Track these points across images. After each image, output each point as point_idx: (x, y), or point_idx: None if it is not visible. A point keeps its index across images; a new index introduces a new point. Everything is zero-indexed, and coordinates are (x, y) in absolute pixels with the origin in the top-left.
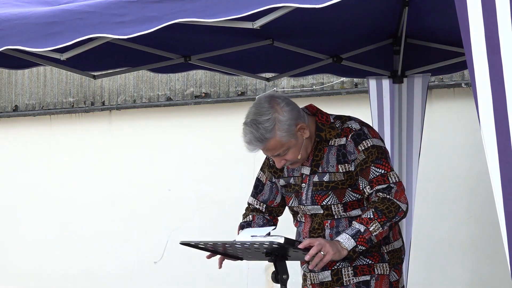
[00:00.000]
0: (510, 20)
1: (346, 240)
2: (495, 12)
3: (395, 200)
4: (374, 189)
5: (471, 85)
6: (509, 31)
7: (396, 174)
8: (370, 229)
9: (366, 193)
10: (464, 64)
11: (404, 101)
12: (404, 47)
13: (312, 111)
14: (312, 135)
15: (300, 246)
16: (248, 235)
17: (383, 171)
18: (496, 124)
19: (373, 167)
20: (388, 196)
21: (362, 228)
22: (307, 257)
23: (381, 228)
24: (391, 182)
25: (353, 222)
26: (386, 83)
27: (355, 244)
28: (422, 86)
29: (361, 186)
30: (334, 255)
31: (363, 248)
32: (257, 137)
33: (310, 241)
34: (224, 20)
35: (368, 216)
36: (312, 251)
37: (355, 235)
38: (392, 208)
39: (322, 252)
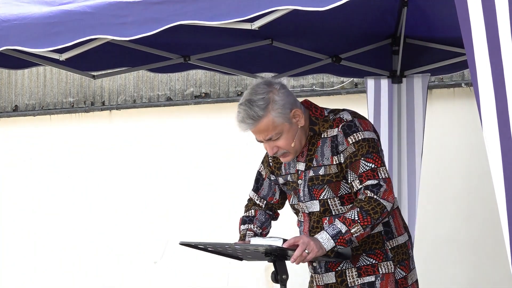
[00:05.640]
0: (509, 20)
1: (325, 241)
2: (495, 12)
3: (381, 201)
4: (364, 184)
5: (471, 85)
6: (508, 31)
7: (386, 170)
8: (351, 231)
9: (355, 188)
10: (464, 64)
11: (403, 101)
12: (403, 47)
13: (307, 105)
14: (306, 128)
15: (285, 245)
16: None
17: (373, 166)
18: (499, 124)
19: (363, 161)
20: (375, 197)
21: (343, 228)
22: (292, 260)
23: (362, 231)
24: (380, 178)
25: (336, 220)
26: (384, 83)
27: (334, 245)
28: (422, 86)
29: (349, 180)
30: (318, 252)
31: (342, 248)
32: (250, 114)
33: (294, 240)
34: (225, 22)
35: (352, 217)
36: (297, 252)
37: (336, 236)
38: (378, 209)
39: (306, 251)
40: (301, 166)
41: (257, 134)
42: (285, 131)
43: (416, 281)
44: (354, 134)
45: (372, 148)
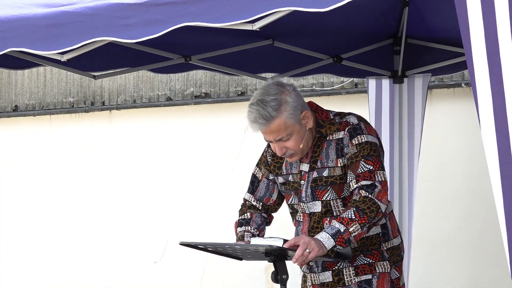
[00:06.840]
0: (509, 21)
1: (326, 240)
2: (494, 13)
3: (376, 200)
4: (359, 184)
5: (471, 85)
6: (507, 32)
7: (384, 174)
8: (349, 230)
9: (351, 187)
10: (464, 64)
11: (404, 101)
12: (405, 47)
13: (312, 108)
14: (313, 130)
15: (285, 245)
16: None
17: (371, 168)
18: (496, 124)
19: (363, 162)
20: (370, 196)
21: (342, 228)
22: (293, 260)
23: (360, 230)
24: (376, 180)
25: (333, 221)
26: (386, 83)
27: (334, 244)
28: (422, 86)
29: (348, 179)
30: (319, 251)
31: (341, 248)
32: (263, 114)
33: (295, 240)
34: (229, 24)
35: (349, 216)
36: (298, 252)
37: (335, 235)
38: (374, 208)
39: (307, 250)
40: (305, 167)
41: (268, 134)
42: (295, 132)
43: (404, 285)
44: (358, 136)
45: (373, 152)
